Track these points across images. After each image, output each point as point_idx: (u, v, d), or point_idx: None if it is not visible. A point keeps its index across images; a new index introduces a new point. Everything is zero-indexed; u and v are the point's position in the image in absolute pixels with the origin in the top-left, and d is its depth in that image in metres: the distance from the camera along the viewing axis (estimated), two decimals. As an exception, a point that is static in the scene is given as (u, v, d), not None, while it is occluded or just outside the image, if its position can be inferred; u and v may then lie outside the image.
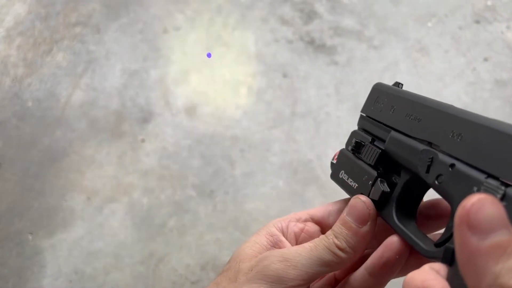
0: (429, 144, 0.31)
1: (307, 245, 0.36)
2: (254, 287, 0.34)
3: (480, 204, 0.22)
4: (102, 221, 1.22)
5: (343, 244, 0.35)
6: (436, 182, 0.30)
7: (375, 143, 0.38)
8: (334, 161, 0.42)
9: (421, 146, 0.32)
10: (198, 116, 1.39)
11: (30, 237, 1.21)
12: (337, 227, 0.36)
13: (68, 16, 1.60)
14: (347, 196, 0.42)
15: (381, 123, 0.38)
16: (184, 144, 1.34)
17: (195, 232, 1.20)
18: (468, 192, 0.27)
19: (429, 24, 1.54)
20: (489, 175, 0.26)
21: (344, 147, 0.43)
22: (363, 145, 0.38)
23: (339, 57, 1.48)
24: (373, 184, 0.36)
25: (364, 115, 0.41)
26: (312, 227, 0.42)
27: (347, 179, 0.39)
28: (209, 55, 1.27)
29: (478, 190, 0.26)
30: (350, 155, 0.40)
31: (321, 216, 0.42)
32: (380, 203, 0.35)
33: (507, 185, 0.25)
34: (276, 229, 0.40)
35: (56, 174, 1.30)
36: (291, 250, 0.36)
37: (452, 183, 0.28)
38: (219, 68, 1.47)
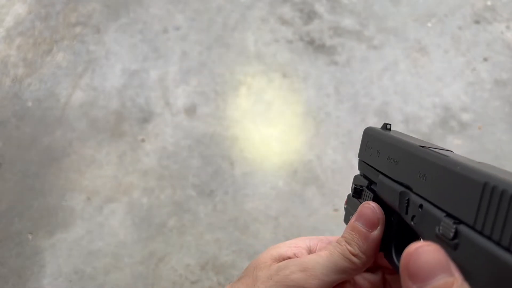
0: (406, 185, 0.33)
1: (323, 253, 0.36)
2: None
3: (417, 252, 0.23)
4: (102, 221, 1.22)
5: (355, 250, 0.35)
6: (412, 223, 0.31)
7: (371, 186, 0.39)
8: (345, 206, 0.44)
9: (400, 188, 0.33)
10: (198, 116, 1.39)
11: (30, 237, 1.21)
12: (347, 233, 0.36)
13: (68, 16, 1.60)
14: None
15: (372, 167, 0.40)
16: (184, 144, 1.34)
17: (195, 232, 1.20)
18: (432, 231, 0.28)
19: (429, 24, 1.54)
20: (447, 214, 0.27)
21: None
22: (362, 190, 0.40)
23: (339, 57, 1.48)
24: None
25: (360, 159, 0.43)
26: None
27: None
28: None
29: (439, 230, 0.27)
30: (354, 200, 0.42)
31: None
32: (382, 245, 0.36)
33: (460, 222, 0.25)
34: (303, 244, 0.40)
35: (56, 174, 1.30)
36: (309, 259, 0.36)
37: (422, 223, 0.30)
38: (219, 68, 1.47)
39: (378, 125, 1.44)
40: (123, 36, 1.55)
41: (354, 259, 0.35)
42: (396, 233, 0.36)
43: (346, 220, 0.43)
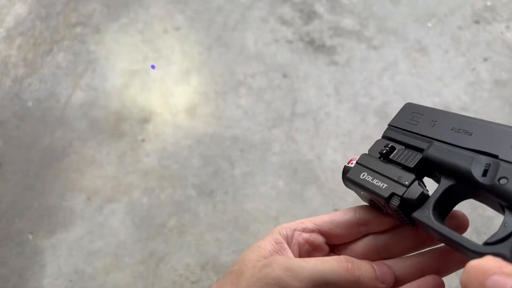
0: (486, 153, 0.34)
1: (313, 260, 0.36)
2: None
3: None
4: (102, 220, 1.22)
5: (356, 273, 0.35)
6: (499, 182, 0.31)
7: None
8: (351, 165, 0.42)
9: (475, 155, 0.34)
10: (198, 116, 1.39)
11: (30, 237, 1.21)
12: (360, 261, 0.37)
13: (68, 16, 1.60)
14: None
15: (418, 134, 0.40)
16: (184, 144, 1.34)
17: (195, 232, 1.20)
18: None
19: (429, 24, 1.54)
20: None
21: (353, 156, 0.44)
22: (397, 150, 0.40)
23: (338, 57, 1.48)
24: (410, 184, 0.36)
25: (395, 126, 0.43)
26: (317, 238, 0.41)
27: (372, 180, 0.39)
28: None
29: None
30: (375, 159, 0.40)
31: (328, 228, 0.41)
32: (415, 205, 0.36)
33: None
34: (282, 236, 0.40)
35: (56, 174, 1.30)
36: (296, 261, 0.35)
37: None
38: (219, 68, 1.48)
39: (378, 124, 1.44)
40: (123, 36, 1.55)
41: (349, 276, 0.35)
42: (439, 198, 0.35)
43: (353, 178, 0.40)
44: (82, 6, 1.62)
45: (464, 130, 0.36)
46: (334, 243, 0.41)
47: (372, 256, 0.39)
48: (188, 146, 1.33)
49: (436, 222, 0.34)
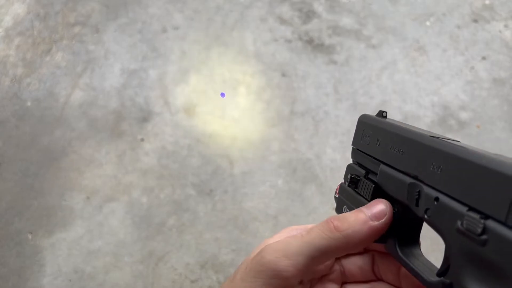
0: (415, 177, 0.31)
1: (299, 234, 0.34)
2: (249, 285, 0.33)
3: None
4: (101, 220, 1.23)
5: (344, 226, 0.32)
6: (426, 216, 0.30)
7: (369, 176, 0.38)
8: (337, 195, 0.42)
9: (408, 179, 0.32)
10: (197, 115, 1.39)
11: (29, 236, 1.21)
12: (346, 213, 0.34)
13: (67, 16, 1.60)
14: None
15: (370, 156, 0.38)
16: (183, 144, 1.34)
17: (194, 231, 1.20)
18: (452, 225, 0.27)
19: (427, 23, 1.54)
20: (470, 208, 0.26)
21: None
22: (359, 180, 0.38)
23: (337, 56, 1.48)
24: None
25: (355, 148, 0.41)
26: None
27: None
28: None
29: (462, 224, 0.26)
30: (349, 189, 0.39)
31: None
32: (383, 237, 0.35)
33: (487, 217, 0.24)
34: (289, 234, 0.38)
35: (55, 174, 1.30)
36: (283, 240, 0.34)
37: (439, 216, 0.28)
38: (218, 68, 1.48)
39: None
40: (122, 35, 1.55)
41: (337, 234, 0.32)
42: (399, 225, 0.34)
43: (339, 210, 0.41)
44: (81, 5, 1.62)
45: (398, 149, 0.34)
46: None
47: (371, 272, 0.39)
48: (188, 145, 1.33)
49: (399, 254, 0.33)
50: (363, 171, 0.38)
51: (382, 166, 0.35)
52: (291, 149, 1.32)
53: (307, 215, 1.22)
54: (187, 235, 1.20)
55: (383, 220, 0.33)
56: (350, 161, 0.42)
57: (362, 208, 0.34)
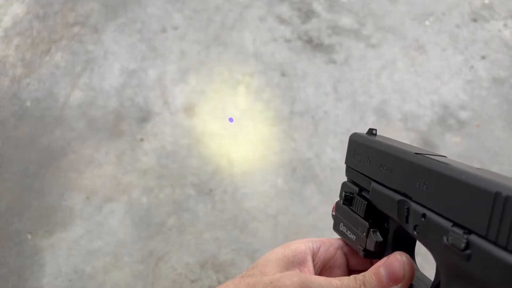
0: (404, 194, 0.32)
1: (333, 281, 0.35)
2: None
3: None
4: (101, 220, 1.22)
5: None
6: (415, 232, 0.30)
7: (362, 193, 0.39)
8: (333, 213, 0.43)
9: (397, 197, 0.33)
10: (197, 115, 1.39)
11: (29, 236, 1.21)
12: (369, 275, 0.35)
13: (66, 16, 1.60)
14: None
15: (362, 174, 0.39)
16: (183, 143, 1.34)
17: (194, 230, 1.20)
18: (439, 241, 0.27)
19: (427, 23, 1.54)
20: (454, 223, 0.26)
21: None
22: (353, 197, 0.39)
23: (337, 55, 1.48)
24: (367, 235, 0.37)
25: (347, 165, 0.42)
26: (340, 258, 0.41)
27: (346, 232, 0.40)
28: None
29: (447, 239, 0.26)
30: (344, 207, 0.41)
31: (350, 249, 0.41)
32: (378, 252, 0.36)
33: (470, 232, 0.25)
34: (307, 248, 0.39)
35: (55, 174, 1.30)
36: (316, 280, 0.35)
37: (426, 232, 0.29)
38: (218, 67, 1.48)
39: (377, 123, 1.45)
40: (121, 35, 1.55)
41: None
42: (392, 240, 0.35)
43: (336, 228, 0.42)
44: (80, 5, 1.62)
45: (386, 167, 0.35)
46: (354, 268, 0.41)
47: None
48: (187, 145, 1.33)
49: None
50: (357, 189, 0.39)
51: (373, 184, 0.36)
52: (290, 149, 1.32)
53: (307, 215, 1.22)
54: (187, 235, 1.20)
55: (400, 283, 0.34)
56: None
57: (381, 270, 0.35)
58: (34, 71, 1.50)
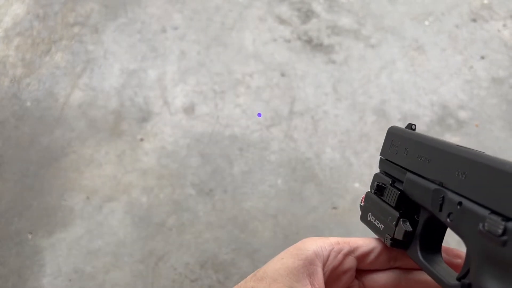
0: (440, 183, 0.33)
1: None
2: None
3: None
4: (101, 220, 1.23)
5: None
6: (448, 220, 0.32)
7: (395, 184, 0.40)
8: (362, 204, 0.44)
9: (433, 186, 0.34)
10: (197, 115, 1.39)
11: (29, 236, 1.21)
12: None
13: (66, 16, 1.60)
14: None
15: (397, 165, 0.40)
16: (183, 143, 1.34)
17: (194, 230, 1.20)
18: (474, 228, 0.28)
19: (426, 23, 1.54)
20: (492, 211, 0.27)
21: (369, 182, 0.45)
22: (385, 187, 0.41)
23: (336, 56, 1.48)
24: (396, 225, 0.38)
25: (383, 158, 0.44)
26: (350, 262, 0.40)
27: (374, 221, 0.41)
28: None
29: (483, 226, 0.27)
30: (375, 197, 0.42)
31: (363, 251, 0.40)
32: (406, 242, 0.37)
33: (508, 219, 0.26)
34: (318, 257, 0.38)
35: (55, 174, 1.30)
36: None
37: (461, 220, 0.30)
38: (217, 67, 1.48)
39: (376, 123, 1.45)
40: (121, 36, 1.55)
41: None
42: (421, 231, 0.36)
43: (363, 217, 0.43)
44: (80, 6, 1.62)
45: (424, 157, 0.36)
46: (362, 268, 0.41)
47: None
48: (187, 145, 1.34)
49: (420, 259, 0.36)
50: (390, 180, 0.41)
51: (409, 174, 0.38)
52: (290, 149, 1.32)
53: (307, 215, 1.22)
54: (187, 234, 1.20)
55: None
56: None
57: None
58: (34, 71, 1.50)
